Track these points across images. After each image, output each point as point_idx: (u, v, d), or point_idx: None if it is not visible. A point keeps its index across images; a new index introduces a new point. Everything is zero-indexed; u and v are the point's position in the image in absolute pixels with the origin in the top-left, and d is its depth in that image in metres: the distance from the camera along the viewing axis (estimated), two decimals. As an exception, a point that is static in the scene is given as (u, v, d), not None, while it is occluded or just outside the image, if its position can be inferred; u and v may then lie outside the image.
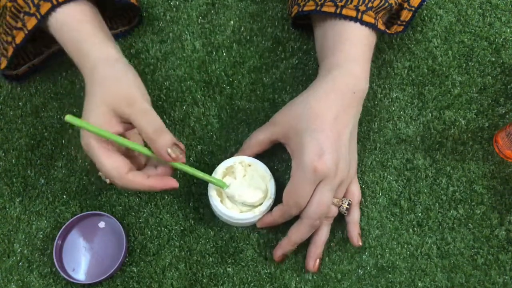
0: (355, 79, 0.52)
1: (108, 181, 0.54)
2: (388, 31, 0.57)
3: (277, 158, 0.59)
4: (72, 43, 0.51)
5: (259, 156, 0.56)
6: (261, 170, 0.55)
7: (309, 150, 0.49)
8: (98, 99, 0.48)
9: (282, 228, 0.57)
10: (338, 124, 0.50)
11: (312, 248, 0.54)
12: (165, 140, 0.47)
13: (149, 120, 0.47)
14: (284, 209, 0.51)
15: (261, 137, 0.55)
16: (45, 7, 0.51)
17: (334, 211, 0.53)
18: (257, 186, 0.54)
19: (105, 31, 0.53)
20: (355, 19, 0.53)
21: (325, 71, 0.53)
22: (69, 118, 0.47)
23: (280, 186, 0.54)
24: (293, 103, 0.53)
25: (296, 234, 0.52)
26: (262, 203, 0.54)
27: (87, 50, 0.50)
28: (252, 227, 0.57)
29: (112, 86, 0.48)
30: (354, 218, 0.54)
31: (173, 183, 0.49)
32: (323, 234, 0.54)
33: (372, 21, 0.54)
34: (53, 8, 0.51)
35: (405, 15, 0.59)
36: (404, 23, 0.60)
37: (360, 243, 0.54)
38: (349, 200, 0.53)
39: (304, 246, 0.56)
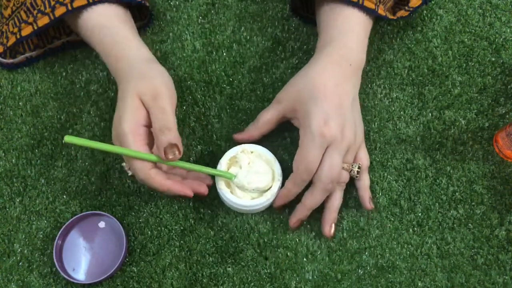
0: (349, 50, 0.54)
1: (130, 173, 0.54)
2: (390, 16, 0.58)
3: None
4: (110, 44, 0.55)
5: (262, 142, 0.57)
6: (264, 154, 0.56)
7: (315, 117, 0.51)
8: (132, 91, 0.51)
9: (282, 228, 0.57)
10: (339, 92, 0.52)
11: (327, 213, 0.55)
12: (166, 138, 0.50)
13: (161, 118, 0.50)
14: (295, 176, 0.52)
15: (268, 117, 0.56)
16: (60, 10, 0.55)
17: (346, 176, 0.54)
18: (264, 170, 0.55)
19: (136, 32, 0.58)
20: (356, 4, 0.54)
21: (321, 46, 0.56)
22: (68, 138, 0.49)
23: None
24: (294, 79, 0.55)
25: (310, 199, 0.53)
26: (271, 186, 0.54)
27: (126, 51, 0.54)
28: (251, 227, 0.57)
29: (145, 80, 0.52)
30: (364, 184, 0.56)
31: (188, 191, 0.52)
32: (336, 200, 0.55)
33: (372, 6, 0.55)
34: (86, 8, 0.55)
35: (414, 2, 0.60)
36: (411, 9, 0.61)
37: (373, 206, 0.56)
38: (359, 164, 0.54)
39: (303, 245, 0.56)
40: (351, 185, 0.56)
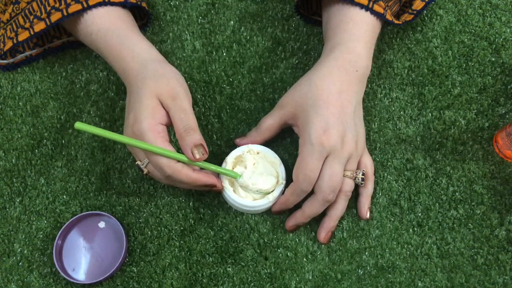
0: (357, 56, 0.53)
1: (146, 171, 0.53)
2: (396, 21, 0.58)
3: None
4: (118, 46, 0.55)
5: (266, 144, 0.57)
6: (270, 156, 0.56)
7: (315, 126, 0.50)
8: (149, 90, 0.52)
9: (282, 228, 0.57)
10: (342, 99, 0.52)
11: (326, 220, 0.55)
12: (191, 139, 0.50)
13: (183, 118, 0.51)
14: (294, 185, 0.52)
15: (270, 122, 0.56)
16: (55, 16, 0.56)
17: (350, 184, 0.53)
18: (269, 172, 0.55)
19: (140, 33, 0.58)
20: (366, 7, 0.54)
21: (328, 50, 0.55)
22: (78, 125, 0.49)
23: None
24: (298, 83, 0.54)
25: (309, 208, 0.53)
26: (275, 189, 0.54)
27: (136, 52, 0.54)
28: (251, 227, 0.57)
29: (162, 80, 0.52)
30: (368, 191, 0.56)
31: (216, 181, 0.53)
32: (339, 209, 0.54)
33: (381, 11, 0.55)
34: (83, 13, 0.56)
35: (417, 4, 0.61)
36: (415, 12, 0.61)
37: (368, 217, 0.56)
38: (363, 170, 0.54)
39: (303, 245, 0.56)
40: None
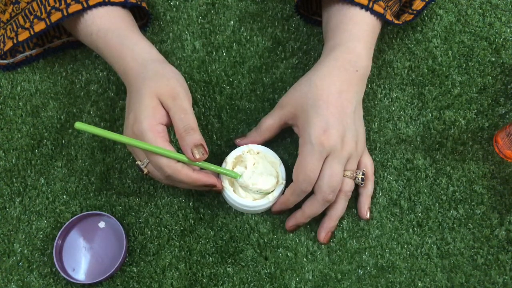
0: (357, 56, 0.53)
1: (146, 171, 0.53)
2: (396, 21, 0.58)
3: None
4: (118, 46, 0.55)
5: (266, 144, 0.57)
6: (270, 156, 0.56)
7: (315, 126, 0.50)
8: (149, 90, 0.52)
9: (282, 228, 0.57)
10: (342, 99, 0.52)
11: (326, 220, 0.55)
12: (191, 139, 0.50)
13: (183, 118, 0.51)
14: (294, 185, 0.52)
15: (270, 122, 0.56)
16: (56, 16, 0.56)
17: (350, 184, 0.53)
18: (269, 172, 0.55)
19: (140, 33, 0.58)
20: (366, 7, 0.54)
21: (328, 50, 0.55)
22: (78, 125, 0.49)
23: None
24: (298, 84, 0.54)
25: (309, 208, 0.53)
26: (274, 189, 0.54)
27: (136, 53, 0.54)
28: (251, 227, 0.57)
29: (162, 80, 0.52)
30: (368, 191, 0.56)
31: (216, 181, 0.53)
32: (339, 209, 0.54)
33: (381, 11, 0.55)
34: (83, 13, 0.56)
35: (417, 4, 0.61)
36: (415, 12, 0.61)
37: (368, 217, 0.56)
38: (363, 171, 0.54)
39: (303, 245, 0.56)
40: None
